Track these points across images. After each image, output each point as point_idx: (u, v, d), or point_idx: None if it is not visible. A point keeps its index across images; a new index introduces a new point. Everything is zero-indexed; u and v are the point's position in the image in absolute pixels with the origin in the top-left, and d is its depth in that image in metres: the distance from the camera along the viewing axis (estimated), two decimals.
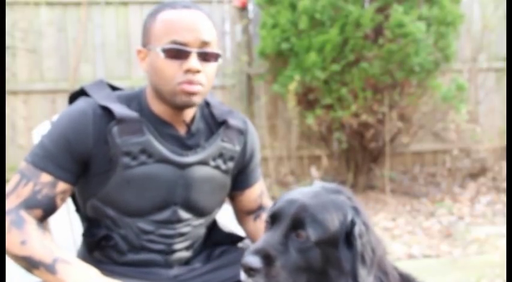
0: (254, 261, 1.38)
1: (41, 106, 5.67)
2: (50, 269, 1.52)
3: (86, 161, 1.66)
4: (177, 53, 1.64)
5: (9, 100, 5.47)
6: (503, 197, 5.39)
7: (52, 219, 2.15)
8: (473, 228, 4.62)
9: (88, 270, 1.54)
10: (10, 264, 1.81)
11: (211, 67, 1.69)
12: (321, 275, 1.43)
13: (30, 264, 1.54)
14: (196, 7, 1.69)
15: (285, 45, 5.24)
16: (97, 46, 5.81)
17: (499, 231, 4.45)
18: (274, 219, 1.47)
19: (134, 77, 5.76)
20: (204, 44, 1.66)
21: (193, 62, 1.63)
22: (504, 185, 5.62)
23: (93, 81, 1.81)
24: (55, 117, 2.14)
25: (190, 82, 1.64)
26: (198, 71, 1.64)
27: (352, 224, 1.44)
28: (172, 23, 1.64)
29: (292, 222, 1.43)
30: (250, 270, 1.38)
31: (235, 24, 5.92)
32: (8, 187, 1.63)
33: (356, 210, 1.48)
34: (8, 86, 5.46)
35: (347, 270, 1.42)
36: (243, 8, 5.91)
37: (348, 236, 1.43)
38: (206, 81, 1.68)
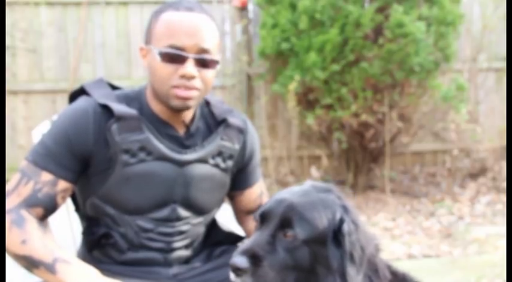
0: (241, 261, 1.39)
1: (41, 106, 5.68)
2: (50, 268, 1.52)
3: (86, 160, 1.67)
4: (173, 58, 1.63)
5: (9, 100, 5.47)
6: (503, 197, 5.39)
7: (52, 219, 2.15)
8: (473, 228, 4.62)
9: (88, 270, 1.54)
10: (10, 264, 1.81)
11: (209, 73, 1.68)
12: (309, 274, 1.43)
13: (30, 263, 1.54)
14: (201, 9, 1.67)
15: (285, 45, 5.24)
16: (97, 46, 5.81)
17: (499, 231, 4.45)
18: (263, 219, 1.48)
19: (134, 77, 5.76)
20: (203, 50, 1.65)
21: (189, 67, 1.63)
22: (504, 185, 5.62)
23: (93, 79, 1.81)
24: (55, 117, 2.15)
25: (185, 87, 1.64)
26: (193, 77, 1.64)
27: (341, 222, 1.44)
28: (173, 26, 1.63)
29: (280, 221, 1.44)
30: (237, 270, 1.40)
31: (235, 24, 5.93)
32: (9, 186, 1.64)
33: (345, 208, 1.49)
34: (8, 86, 5.46)
35: (335, 268, 1.42)
36: (243, 8, 5.91)
37: (336, 234, 1.44)
38: (202, 86, 1.68)
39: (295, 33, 5.23)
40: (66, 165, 1.64)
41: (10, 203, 1.61)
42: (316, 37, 5.11)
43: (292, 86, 5.13)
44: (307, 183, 1.58)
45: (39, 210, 1.62)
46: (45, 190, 1.62)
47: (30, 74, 5.71)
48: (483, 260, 3.89)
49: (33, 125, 4.81)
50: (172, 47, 1.62)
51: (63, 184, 1.64)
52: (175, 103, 1.66)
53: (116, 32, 5.84)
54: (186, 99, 1.65)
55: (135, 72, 5.83)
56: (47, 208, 1.64)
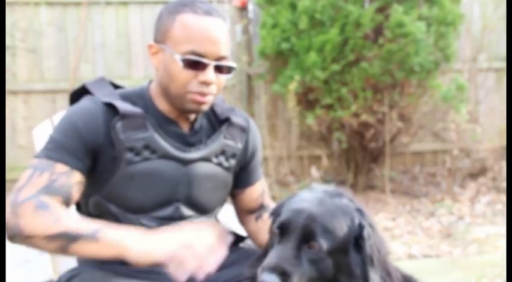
0: (272, 279, 1.37)
1: (41, 106, 5.68)
2: (91, 238, 1.48)
3: (96, 154, 1.65)
4: (195, 64, 1.64)
5: (9, 100, 5.47)
6: (503, 197, 5.39)
7: None
8: (473, 228, 4.62)
9: (132, 231, 1.52)
10: (10, 264, 1.81)
11: (224, 78, 1.71)
12: None
13: (67, 239, 1.48)
14: (217, 13, 1.68)
15: (285, 45, 5.24)
16: (97, 46, 5.81)
17: (499, 231, 4.45)
18: (282, 231, 1.46)
19: (134, 77, 5.76)
20: (222, 57, 1.67)
21: (210, 74, 1.65)
22: (504, 185, 5.62)
23: (95, 78, 1.79)
24: (57, 116, 2.13)
25: (202, 93, 1.66)
26: (212, 83, 1.66)
27: (360, 227, 1.44)
28: (193, 31, 1.64)
29: (303, 234, 1.42)
30: None
31: (235, 24, 5.92)
32: (19, 182, 1.57)
33: (361, 212, 1.48)
34: (8, 86, 5.46)
35: (357, 274, 1.42)
36: (243, 8, 5.91)
37: (356, 240, 1.44)
38: (217, 91, 1.70)
39: (295, 33, 5.23)
40: (79, 157, 1.62)
41: (25, 193, 1.53)
42: (316, 37, 5.11)
43: (292, 86, 5.13)
44: (317, 188, 1.56)
45: (59, 199, 1.57)
46: (61, 180, 1.58)
47: (30, 74, 5.71)
48: (483, 260, 3.90)
49: (33, 125, 4.80)
50: (194, 53, 1.63)
51: (77, 176, 1.62)
52: (191, 107, 1.68)
53: (116, 32, 5.84)
54: (201, 103, 1.68)
55: (135, 72, 5.82)
56: (66, 199, 1.59)
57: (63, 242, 1.48)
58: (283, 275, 1.37)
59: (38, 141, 2.17)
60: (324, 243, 1.40)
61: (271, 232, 1.53)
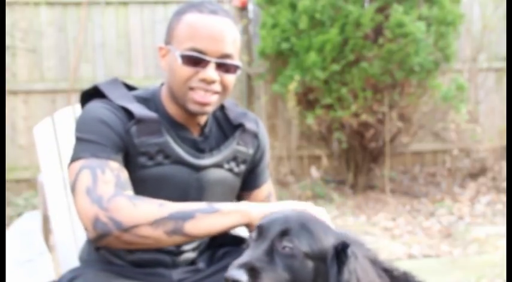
0: (238, 274, 1.31)
1: (41, 106, 5.67)
2: (210, 210, 1.47)
3: (125, 149, 1.61)
4: (195, 61, 1.61)
5: (9, 100, 5.47)
6: (503, 197, 5.39)
7: (53, 218, 2.15)
8: (473, 228, 4.63)
9: (241, 202, 1.53)
10: (11, 264, 1.81)
11: (229, 77, 1.66)
12: None
13: (181, 218, 1.46)
14: (224, 13, 1.66)
15: (285, 45, 5.24)
16: (97, 46, 5.81)
17: (499, 231, 4.46)
18: (259, 232, 1.41)
19: (134, 77, 5.76)
20: (225, 55, 1.63)
21: (210, 72, 1.61)
22: (504, 185, 5.62)
23: (107, 79, 1.75)
24: (58, 114, 2.12)
25: (204, 91, 1.62)
26: (213, 81, 1.62)
27: (344, 245, 1.39)
28: (196, 29, 1.61)
29: (277, 234, 1.38)
30: None
31: (235, 24, 5.92)
32: (83, 184, 1.51)
33: (346, 236, 1.44)
34: (8, 86, 5.45)
35: None
36: (243, 8, 5.92)
37: (338, 255, 1.38)
38: (222, 90, 1.66)
39: (295, 33, 5.23)
40: (121, 153, 1.59)
41: (104, 190, 1.49)
42: (316, 37, 5.11)
43: (292, 86, 5.13)
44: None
45: (132, 193, 1.55)
46: (122, 176, 1.55)
47: (30, 74, 5.71)
48: (483, 260, 3.90)
49: (33, 125, 4.79)
50: (194, 50, 1.60)
51: (125, 172, 1.59)
52: (192, 108, 1.64)
53: (116, 32, 5.84)
54: (203, 104, 1.63)
55: (135, 72, 5.82)
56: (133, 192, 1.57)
57: (176, 222, 1.46)
58: (252, 271, 1.33)
59: (39, 139, 2.17)
60: (298, 243, 1.36)
61: (248, 237, 1.48)
